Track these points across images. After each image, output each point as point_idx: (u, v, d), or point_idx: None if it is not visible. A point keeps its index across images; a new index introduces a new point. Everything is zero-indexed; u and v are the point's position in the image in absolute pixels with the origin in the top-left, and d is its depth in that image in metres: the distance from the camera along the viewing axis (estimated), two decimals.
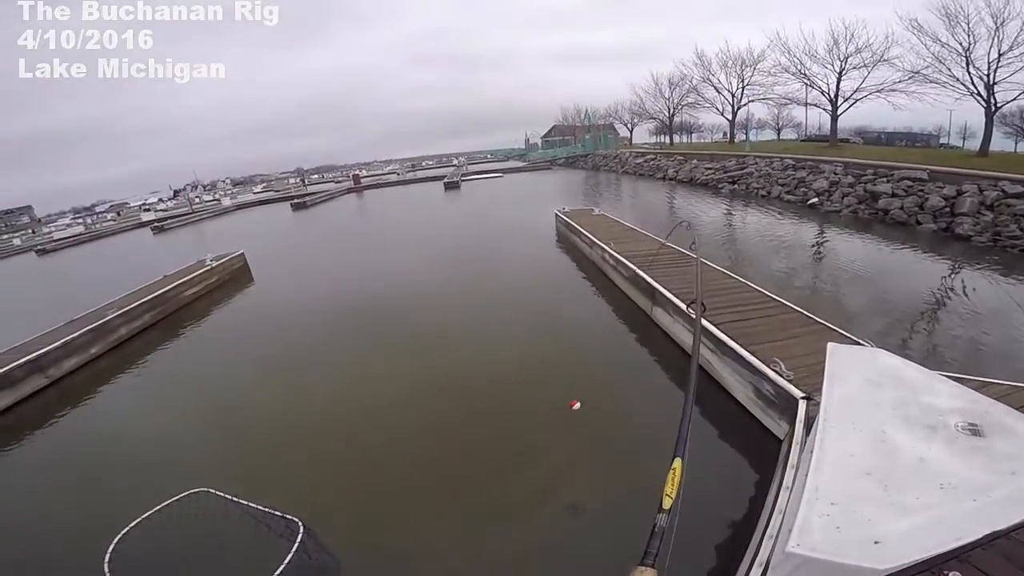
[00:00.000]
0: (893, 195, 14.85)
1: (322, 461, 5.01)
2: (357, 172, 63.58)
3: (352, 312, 9.62)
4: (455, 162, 79.46)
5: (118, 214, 66.59)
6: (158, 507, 3.23)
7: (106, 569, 2.84)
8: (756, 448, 4.44)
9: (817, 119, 41.99)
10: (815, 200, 17.43)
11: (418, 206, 29.98)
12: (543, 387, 5.87)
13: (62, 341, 8.30)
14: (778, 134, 58.58)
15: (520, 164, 60.84)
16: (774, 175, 21.52)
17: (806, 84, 31.40)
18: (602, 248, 10.15)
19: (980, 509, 1.68)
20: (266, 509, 3.38)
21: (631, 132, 62.91)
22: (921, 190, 14.45)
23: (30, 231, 62.10)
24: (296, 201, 38.22)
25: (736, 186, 23.37)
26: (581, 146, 57.68)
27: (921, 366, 3.22)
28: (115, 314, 9.56)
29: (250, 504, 3.43)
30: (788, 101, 36.79)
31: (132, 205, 78.55)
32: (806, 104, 34.44)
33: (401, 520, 4.03)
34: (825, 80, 29.58)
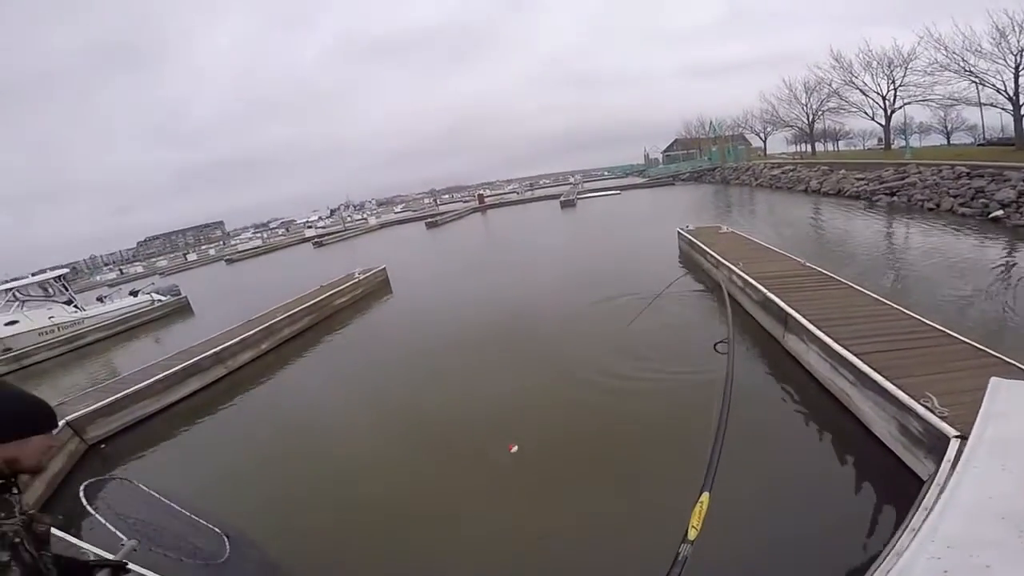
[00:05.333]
0: None
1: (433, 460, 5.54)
2: (481, 192, 67.52)
3: (477, 325, 10.46)
4: (571, 180, 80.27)
5: (287, 230, 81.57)
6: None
7: None
8: (894, 489, 3.91)
9: (998, 120, 34.33)
10: (999, 213, 14.34)
11: (537, 224, 31.17)
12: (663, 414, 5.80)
13: (240, 338, 10.22)
14: (948, 139, 49.64)
15: (639, 180, 59.30)
16: (943, 185, 18.19)
17: (975, 82, 26.37)
18: (729, 268, 9.50)
19: None
20: (195, 516, 3.33)
21: (764, 142, 57.95)
22: None
23: (221, 243, 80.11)
24: (429, 220, 42.76)
25: (895, 198, 20.23)
26: (707, 159, 54.48)
27: None
28: (281, 317, 11.57)
29: (178, 507, 3.36)
30: (955, 102, 30.87)
31: (298, 222, 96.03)
32: (980, 104, 28.72)
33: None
34: (999, 76, 24.53)
